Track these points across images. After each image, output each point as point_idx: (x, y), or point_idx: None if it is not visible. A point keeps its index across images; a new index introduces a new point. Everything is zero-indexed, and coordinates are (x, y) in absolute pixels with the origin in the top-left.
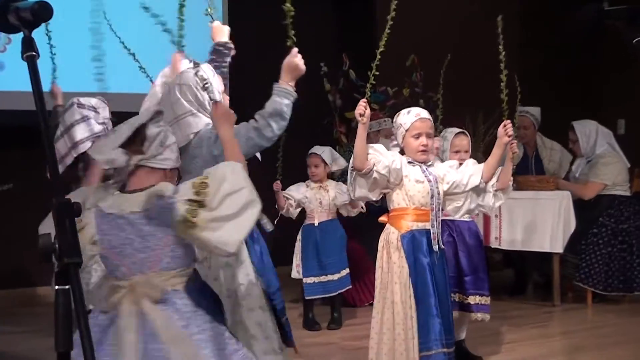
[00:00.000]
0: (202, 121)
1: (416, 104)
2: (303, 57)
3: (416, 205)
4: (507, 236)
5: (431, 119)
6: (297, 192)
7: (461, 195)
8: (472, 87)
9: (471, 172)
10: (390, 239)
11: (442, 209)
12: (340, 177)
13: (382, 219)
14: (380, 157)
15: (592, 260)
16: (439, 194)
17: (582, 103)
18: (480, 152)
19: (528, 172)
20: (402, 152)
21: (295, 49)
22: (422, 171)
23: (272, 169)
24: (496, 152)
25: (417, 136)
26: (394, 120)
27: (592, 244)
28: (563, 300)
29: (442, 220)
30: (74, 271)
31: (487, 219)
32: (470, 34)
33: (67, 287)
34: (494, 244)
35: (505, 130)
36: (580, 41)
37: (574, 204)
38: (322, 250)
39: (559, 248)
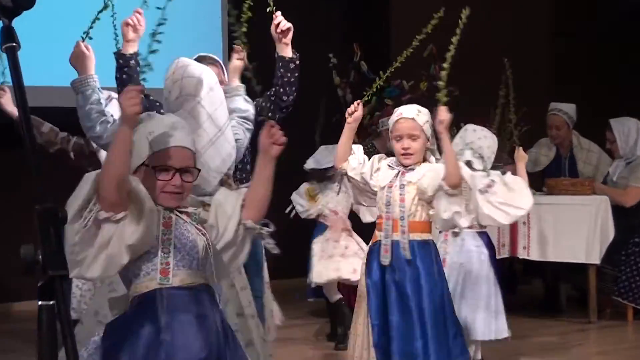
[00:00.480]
0: None
1: (434, 100)
2: (310, 47)
3: (380, 213)
4: (537, 246)
5: (417, 118)
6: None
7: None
8: (498, 79)
9: (433, 173)
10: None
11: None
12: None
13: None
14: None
15: (633, 272)
16: (402, 201)
17: (618, 99)
18: (506, 153)
19: (560, 174)
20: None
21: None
22: (395, 176)
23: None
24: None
25: (398, 139)
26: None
27: (632, 255)
28: (600, 317)
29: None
30: (60, 285)
31: (514, 226)
32: (498, 21)
33: (51, 302)
34: (522, 255)
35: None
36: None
37: (612, 210)
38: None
39: (595, 259)
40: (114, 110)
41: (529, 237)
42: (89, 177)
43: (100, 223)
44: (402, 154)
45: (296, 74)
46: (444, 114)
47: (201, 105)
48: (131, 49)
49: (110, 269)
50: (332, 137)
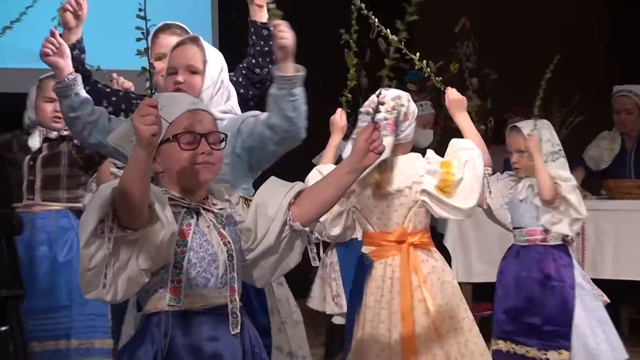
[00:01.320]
0: None
1: (465, 84)
2: (315, 21)
3: None
4: (593, 261)
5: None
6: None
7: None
8: (543, 63)
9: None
10: None
11: None
12: None
13: None
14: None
15: None
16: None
17: None
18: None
19: (625, 173)
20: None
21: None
22: None
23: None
24: None
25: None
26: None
27: None
28: None
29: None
30: (14, 307)
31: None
32: None
33: (3, 328)
34: None
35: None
36: None
37: None
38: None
39: None
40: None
41: (583, 250)
42: (103, 193)
43: (118, 242)
44: None
45: (271, 43)
46: (453, 93)
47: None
48: (74, 37)
49: (130, 290)
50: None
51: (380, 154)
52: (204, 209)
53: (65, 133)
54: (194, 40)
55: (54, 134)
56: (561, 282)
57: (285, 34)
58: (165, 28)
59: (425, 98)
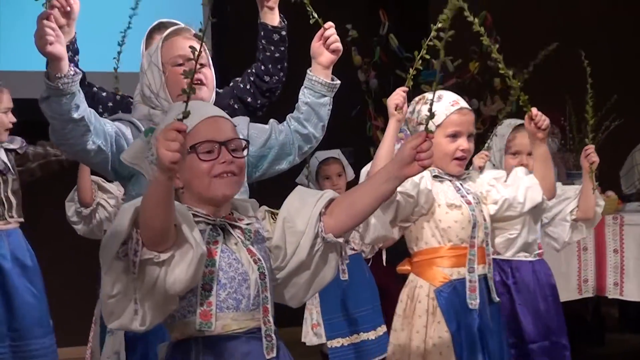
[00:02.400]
0: None
1: (487, 85)
2: (321, 16)
3: (453, 243)
4: (636, 281)
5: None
6: None
7: (516, 220)
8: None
9: (527, 183)
10: (417, 295)
11: (489, 244)
12: None
13: (403, 267)
14: None
15: None
16: (485, 220)
17: None
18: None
19: None
20: None
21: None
22: (457, 189)
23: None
24: (538, 154)
25: (455, 136)
26: (411, 108)
27: None
28: None
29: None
30: None
31: (601, 257)
32: None
33: None
34: (612, 294)
35: (536, 124)
36: None
37: None
38: (351, 298)
39: None
40: None
41: (623, 269)
42: (124, 214)
43: (144, 265)
44: (458, 158)
45: (282, 49)
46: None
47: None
48: (66, 37)
49: (158, 318)
50: (353, 137)
51: (425, 167)
52: (230, 224)
53: (12, 146)
54: (190, 31)
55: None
56: None
57: (337, 37)
58: (161, 27)
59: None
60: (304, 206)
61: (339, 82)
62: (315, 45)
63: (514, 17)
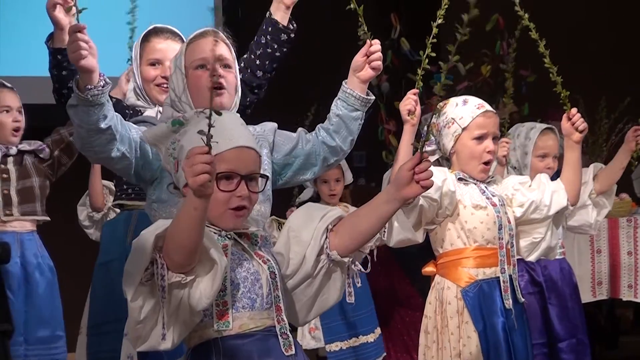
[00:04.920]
0: None
1: (500, 88)
2: (331, 20)
3: (479, 243)
4: None
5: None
6: None
7: (541, 224)
8: (588, 62)
9: (553, 187)
10: (445, 297)
11: (513, 245)
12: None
13: (428, 269)
14: None
15: None
16: (509, 222)
17: None
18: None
19: None
20: (440, 163)
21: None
22: (482, 191)
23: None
24: (570, 158)
25: (481, 138)
26: (440, 112)
27: None
28: None
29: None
30: (2, 342)
31: (615, 259)
32: None
33: None
34: (626, 296)
35: (573, 124)
36: None
37: None
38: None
39: None
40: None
41: (637, 271)
42: (145, 241)
43: (170, 288)
44: (485, 161)
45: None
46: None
47: None
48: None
49: (183, 333)
50: (365, 141)
51: (427, 187)
52: (237, 233)
53: (28, 147)
54: (217, 34)
55: (13, 150)
56: None
57: (381, 55)
58: (157, 32)
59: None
60: (310, 219)
61: (373, 97)
62: (358, 59)
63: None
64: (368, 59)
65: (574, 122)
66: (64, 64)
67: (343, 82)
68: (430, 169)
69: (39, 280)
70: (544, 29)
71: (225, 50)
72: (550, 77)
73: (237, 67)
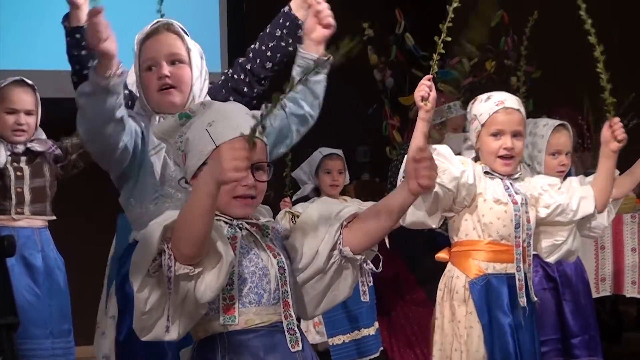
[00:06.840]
0: None
1: (504, 84)
2: (336, 15)
3: (493, 238)
4: None
5: (522, 110)
6: None
7: (565, 227)
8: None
9: (582, 193)
10: (454, 286)
11: (530, 244)
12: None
13: (441, 255)
14: (446, 164)
15: None
16: (528, 222)
17: None
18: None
19: None
20: (476, 158)
21: None
22: (506, 187)
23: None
24: (605, 166)
25: (498, 135)
26: (469, 108)
27: None
28: None
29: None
30: (7, 336)
31: (618, 255)
32: None
33: None
34: (629, 292)
35: (613, 133)
36: None
37: None
38: (351, 295)
39: None
40: None
41: None
42: (152, 232)
43: (178, 280)
44: (502, 156)
45: (296, 46)
46: (621, 132)
47: None
48: (85, 17)
49: (188, 325)
50: (369, 136)
51: (424, 187)
52: (247, 223)
53: (38, 148)
54: (170, 27)
55: (20, 148)
56: None
57: (329, 12)
58: (154, 31)
59: (456, 98)
60: (327, 214)
61: (331, 57)
62: (309, 21)
63: (530, 15)
64: (317, 18)
65: (614, 130)
66: (83, 43)
67: (299, 47)
68: (448, 157)
69: (58, 274)
70: (548, 25)
71: (178, 44)
72: (556, 74)
73: (198, 57)
